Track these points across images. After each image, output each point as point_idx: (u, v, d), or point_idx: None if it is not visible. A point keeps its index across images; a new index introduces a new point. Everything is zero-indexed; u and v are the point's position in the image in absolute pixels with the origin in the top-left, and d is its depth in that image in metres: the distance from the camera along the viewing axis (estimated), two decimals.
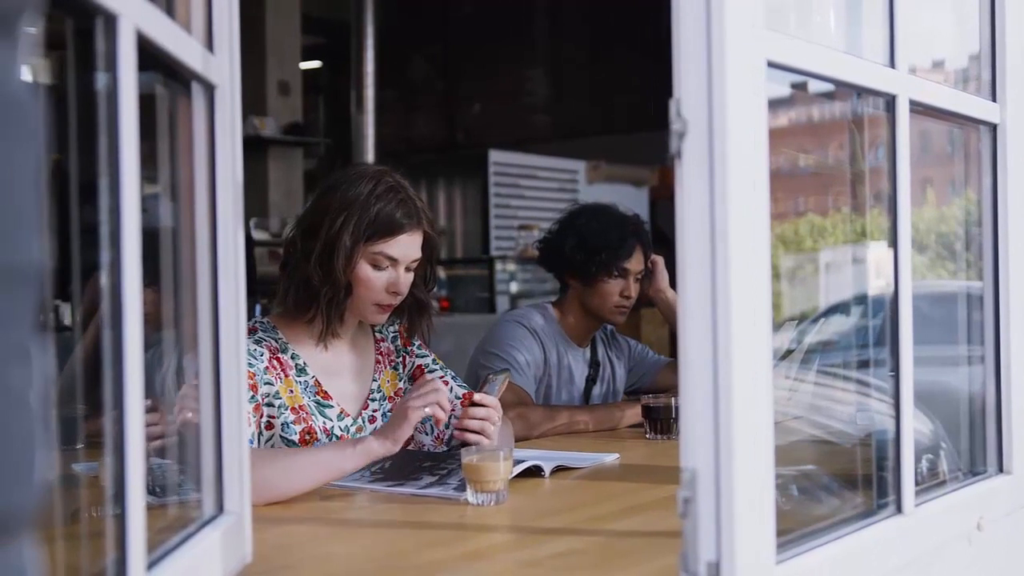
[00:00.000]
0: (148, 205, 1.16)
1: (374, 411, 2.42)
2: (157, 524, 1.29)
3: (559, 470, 2.30)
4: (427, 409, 2.07)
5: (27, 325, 0.61)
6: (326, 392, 2.34)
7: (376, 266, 2.29)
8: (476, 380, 3.05)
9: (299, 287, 2.31)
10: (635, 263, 3.14)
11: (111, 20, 1.04)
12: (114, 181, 1.06)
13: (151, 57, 1.17)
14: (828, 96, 1.80)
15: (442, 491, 2.04)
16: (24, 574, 0.61)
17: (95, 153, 1.07)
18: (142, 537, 1.08)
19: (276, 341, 2.32)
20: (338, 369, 2.40)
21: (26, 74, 0.61)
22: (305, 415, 2.28)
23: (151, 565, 1.14)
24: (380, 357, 2.49)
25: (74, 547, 1.26)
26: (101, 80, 1.07)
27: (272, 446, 2.24)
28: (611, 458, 2.47)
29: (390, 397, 2.46)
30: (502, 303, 7.55)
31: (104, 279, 1.07)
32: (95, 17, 1.04)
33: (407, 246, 2.32)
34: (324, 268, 2.27)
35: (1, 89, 0.58)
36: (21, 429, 0.60)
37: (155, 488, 1.40)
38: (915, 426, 1.65)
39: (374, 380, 2.45)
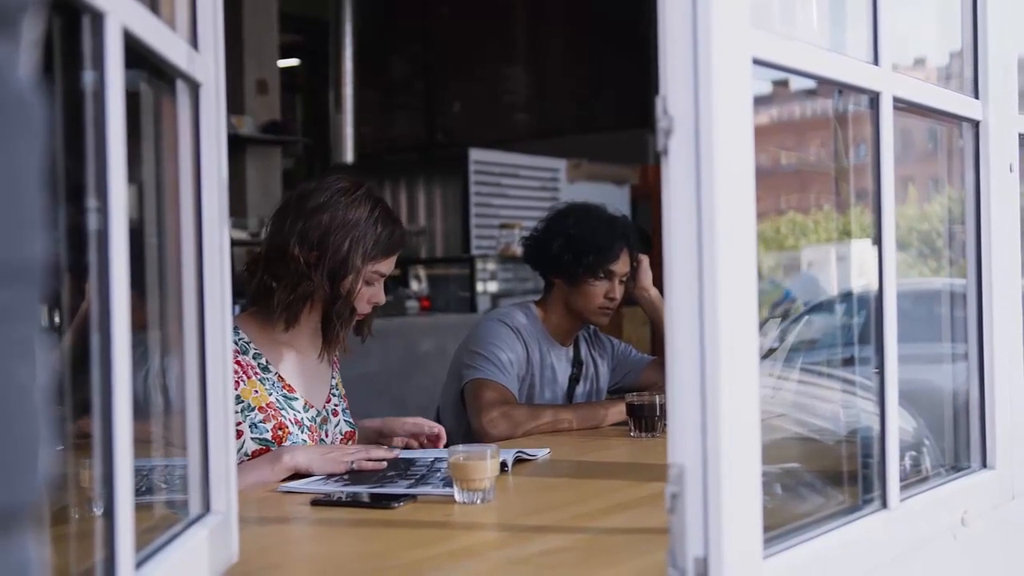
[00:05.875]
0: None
1: (335, 405, 2.56)
2: (143, 523, 1.29)
3: (519, 462, 2.36)
4: (354, 465, 2.25)
5: (31, 321, 0.61)
6: (290, 386, 2.44)
7: (368, 282, 2.43)
8: (459, 379, 3.05)
9: (301, 300, 2.39)
10: (621, 265, 3.14)
11: (98, 18, 1.04)
12: (101, 180, 1.05)
13: (136, 55, 1.17)
14: (810, 93, 1.81)
15: (432, 488, 2.05)
16: (28, 569, 0.61)
17: (81, 151, 1.07)
18: (130, 536, 1.07)
19: (236, 343, 2.37)
20: (300, 366, 2.49)
21: (28, 72, 0.61)
22: (274, 411, 2.37)
23: (139, 564, 1.14)
24: (335, 359, 2.62)
25: (59, 547, 1.25)
26: (87, 78, 1.06)
27: (245, 454, 2.30)
28: (543, 452, 2.51)
29: (344, 396, 2.62)
30: (483, 302, 7.53)
31: (90, 279, 1.06)
32: (82, 14, 1.03)
33: (394, 262, 2.50)
34: (333, 287, 2.38)
35: (4, 87, 0.58)
36: (26, 425, 0.60)
37: (139, 487, 1.40)
38: (899, 423, 1.66)
39: (332, 377, 2.59)
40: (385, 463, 2.27)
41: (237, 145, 7.64)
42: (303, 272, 2.36)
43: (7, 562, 0.59)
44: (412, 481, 2.13)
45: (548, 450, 2.52)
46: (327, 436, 2.49)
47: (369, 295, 2.44)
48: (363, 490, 2.06)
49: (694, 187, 1.22)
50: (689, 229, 1.23)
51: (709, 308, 1.22)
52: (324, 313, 2.43)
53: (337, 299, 2.39)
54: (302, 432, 2.40)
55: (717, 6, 1.22)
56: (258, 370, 2.39)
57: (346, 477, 2.19)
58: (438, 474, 2.17)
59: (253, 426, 2.33)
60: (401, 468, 2.26)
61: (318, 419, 2.47)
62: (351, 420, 2.60)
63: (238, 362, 2.35)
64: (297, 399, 2.43)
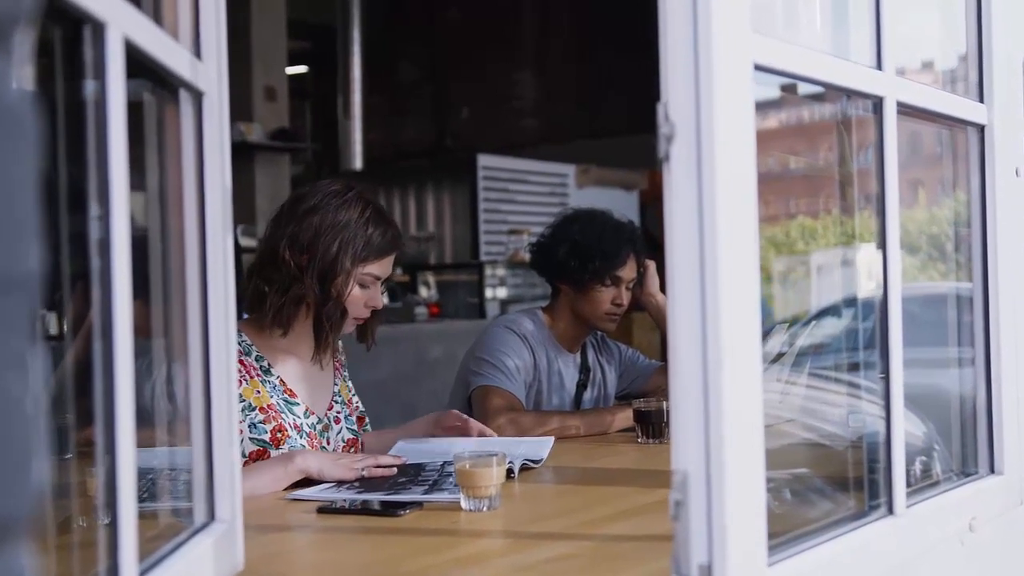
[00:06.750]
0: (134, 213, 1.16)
1: (337, 413, 2.55)
2: (148, 532, 1.29)
3: (525, 469, 2.36)
4: (364, 472, 2.24)
5: (24, 333, 0.62)
6: (292, 391, 2.44)
7: (362, 285, 2.42)
8: (466, 386, 3.05)
9: (292, 303, 2.38)
10: (628, 271, 3.14)
11: (99, 28, 1.04)
12: (103, 189, 1.06)
13: (138, 64, 1.17)
14: (818, 98, 1.81)
15: (448, 495, 2.04)
16: None
17: (83, 161, 1.07)
18: (134, 545, 1.07)
19: (240, 344, 2.37)
20: (302, 374, 2.49)
21: (22, 83, 0.61)
22: (274, 413, 2.37)
23: (143, 573, 1.14)
24: (337, 365, 2.61)
25: (64, 556, 1.25)
26: (89, 88, 1.07)
27: (243, 454, 2.30)
28: (548, 443, 2.54)
29: (347, 402, 2.60)
30: (492, 308, 7.53)
31: (93, 288, 1.06)
32: (83, 25, 1.04)
33: (390, 265, 2.48)
34: (323, 289, 2.37)
35: None
36: (19, 436, 0.60)
37: (143, 495, 1.40)
38: (908, 429, 1.65)
39: (335, 385, 2.58)
40: (395, 470, 2.27)
41: (246, 152, 7.65)
42: (294, 275, 2.36)
43: (1, 572, 0.59)
44: (426, 487, 2.12)
45: (552, 439, 2.56)
46: (328, 444, 2.49)
47: (365, 298, 2.43)
48: (376, 497, 2.06)
49: (696, 193, 1.22)
50: (691, 235, 1.22)
51: (711, 314, 1.21)
52: (315, 316, 2.42)
53: (328, 301, 2.38)
54: (301, 437, 2.39)
55: (718, 11, 1.21)
56: (260, 372, 2.39)
57: (357, 484, 2.18)
58: (450, 479, 2.16)
59: (253, 426, 2.33)
60: (411, 474, 2.26)
61: (319, 426, 2.47)
62: (354, 428, 2.59)
63: (241, 362, 2.35)
64: (298, 404, 2.43)
